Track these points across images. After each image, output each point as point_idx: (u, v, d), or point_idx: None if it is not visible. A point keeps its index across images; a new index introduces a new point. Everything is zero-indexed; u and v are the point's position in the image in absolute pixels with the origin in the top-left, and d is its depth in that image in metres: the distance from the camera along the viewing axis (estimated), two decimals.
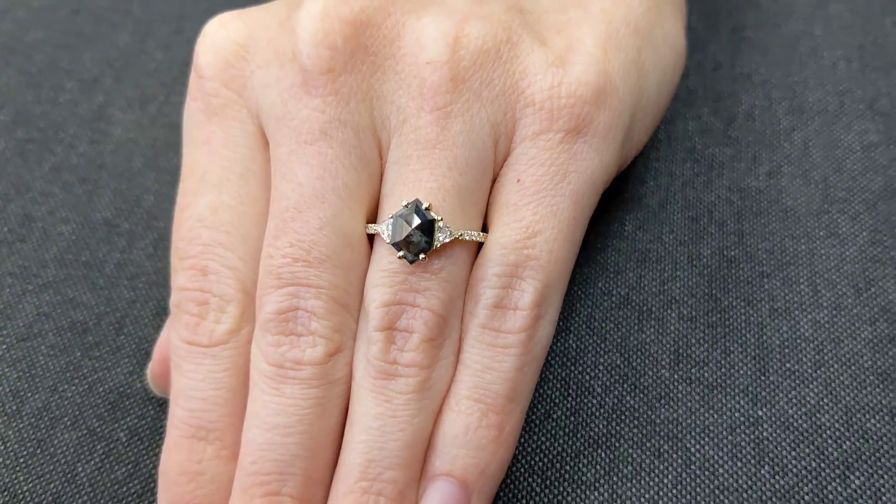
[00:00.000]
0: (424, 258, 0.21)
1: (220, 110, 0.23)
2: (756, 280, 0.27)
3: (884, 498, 0.23)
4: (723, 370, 0.25)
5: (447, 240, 0.21)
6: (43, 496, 0.24)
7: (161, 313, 0.28)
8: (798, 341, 0.26)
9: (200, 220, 0.23)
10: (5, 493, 0.24)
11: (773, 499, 0.23)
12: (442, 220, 0.21)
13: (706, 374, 0.25)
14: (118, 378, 0.27)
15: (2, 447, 0.25)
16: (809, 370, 0.25)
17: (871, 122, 0.31)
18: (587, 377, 0.26)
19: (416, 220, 0.21)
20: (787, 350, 0.26)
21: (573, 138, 0.22)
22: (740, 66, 0.33)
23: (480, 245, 0.22)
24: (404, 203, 0.21)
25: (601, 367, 0.26)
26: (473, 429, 0.22)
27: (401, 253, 0.21)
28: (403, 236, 0.21)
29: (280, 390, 0.22)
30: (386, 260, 0.22)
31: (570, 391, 0.26)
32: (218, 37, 0.23)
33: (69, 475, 0.25)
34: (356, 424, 0.22)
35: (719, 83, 0.33)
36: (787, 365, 0.25)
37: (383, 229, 0.21)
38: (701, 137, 0.32)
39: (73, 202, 0.31)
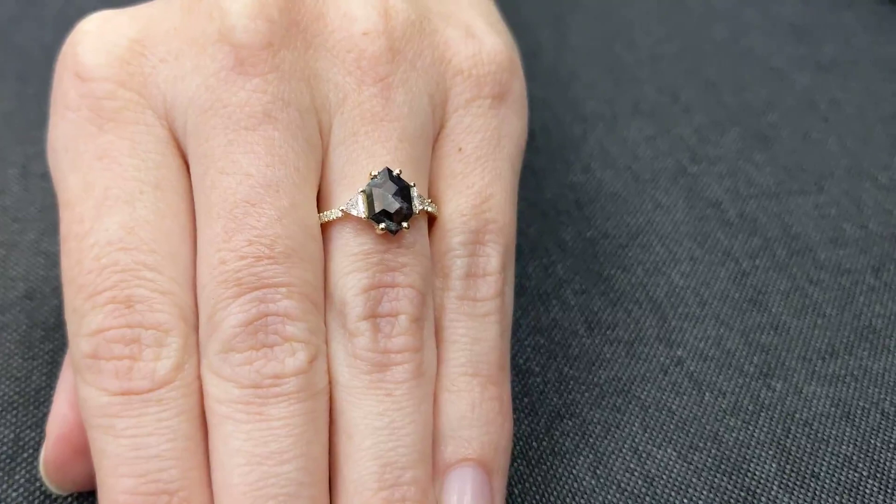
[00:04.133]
0: (406, 227, 0.20)
1: (116, 115, 0.20)
2: (619, 251, 0.30)
3: (804, 390, 0.25)
4: (631, 327, 0.27)
5: (422, 206, 0.20)
6: None
7: (9, 408, 0.22)
8: (677, 290, 0.28)
9: (112, 244, 0.19)
10: None
11: (726, 417, 0.25)
12: (415, 185, 0.20)
13: (620, 334, 0.27)
14: None
15: None
16: (697, 310, 0.28)
17: (641, 121, 0.36)
18: (521, 360, 0.26)
19: (394, 187, 0.20)
20: (673, 298, 0.28)
21: (499, 104, 0.22)
22: None
23: (430, 219, 0.22)
24: (373, 173, 0.20)
25: (529, 350, 0.26)
26: (478, 404, 0.20)
27: (383, 224, 0.20)
28: (384, 206, 0.19)
29: (264, 413, 0.19)
30: (354, 242, 0.20)
31: (512, 376, 0.25)
32: (104, 33, 0.20)
33: None
34: (357, 431, 0.19)
35: None
36: (680, 310, 0.28)
37: (353, 205, 0.20)
38: None
39: None
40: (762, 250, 0.30)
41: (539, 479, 0.23)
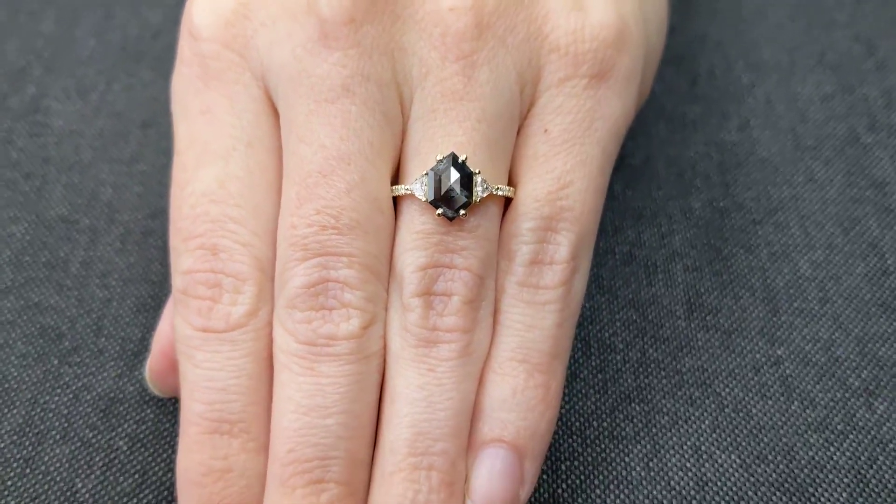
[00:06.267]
0: (464, 214, 0.20)
1: (220, 74, 0.21)
2: (749, 227, 0.28)
3: None
4: (736, 315, 0.26)
5: (485, 194, 0.20)
6: None
7: (142, 310, 0.26)
8: (800, 281, 0.26)
9: (206, 195, 0.21)
10: None
11: (808, 431, 0.23)
12: (479, 172, 0.20)
13: (721, 321, 0.26)
14: (106, 383, 0.24)
15: None
16: (816, 307, 0.26)
17: (823, 74, 0.32)
18: (607, 335, 0.25)
19: (455, 175, 0.20)
20: (792, 290, 0.26)
21: (597, 84, 0.22)
22: (693, 30, 0.34)
23: (508, 200, 0.22)
24: (438, 157, 0.20)
25: (619, 324, 0.26)
26: (521, 390, 0.21)
27: (440, 210, 0.20)
28: (443, 192, 0.20)
29: (315, 369, 0.20)
30: (418, 221, 0.21)
31: (593, 350, 0.25)
32: None
33: (68, 493, 0.22)
34: (398, 398, 0.21)
35: (676, 46, 0.33)
36: (795, 304, 0.26)
37: (416, 187, 0.20)
38: (668, 97, 0.32)
39: (21, 200, 0.28)
40: None
41: (590, 458, 0.23)
